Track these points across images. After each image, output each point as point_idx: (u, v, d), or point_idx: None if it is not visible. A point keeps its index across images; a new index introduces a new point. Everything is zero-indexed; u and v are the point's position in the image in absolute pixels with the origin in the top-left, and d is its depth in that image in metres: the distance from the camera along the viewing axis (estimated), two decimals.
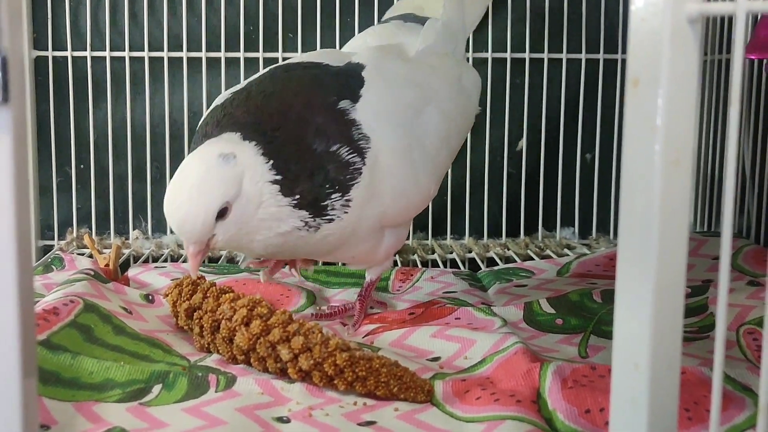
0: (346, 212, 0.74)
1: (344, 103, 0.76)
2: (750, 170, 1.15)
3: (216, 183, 0.69)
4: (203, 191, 0.69)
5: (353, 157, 0.74)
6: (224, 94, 0.82)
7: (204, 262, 1.16)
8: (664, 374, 0.44)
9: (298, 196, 0.72)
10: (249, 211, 0.71)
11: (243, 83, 0.83)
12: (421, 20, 0.94)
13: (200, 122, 0.81)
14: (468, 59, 1.25)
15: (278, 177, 0.71)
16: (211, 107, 0.81)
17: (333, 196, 0.73)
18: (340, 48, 1.04)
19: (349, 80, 0.79)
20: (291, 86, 0.78)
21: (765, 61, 1.01)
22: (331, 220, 0.74)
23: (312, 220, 0.73)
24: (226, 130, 0.74)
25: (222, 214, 0.70)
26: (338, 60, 0.83)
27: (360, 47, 0.91)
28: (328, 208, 0.74)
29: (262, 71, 0.85)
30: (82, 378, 0.67)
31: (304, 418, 0.62)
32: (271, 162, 0.71)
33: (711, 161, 1.25)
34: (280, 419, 0.62)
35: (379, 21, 1.15)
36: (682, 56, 0.42)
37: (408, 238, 1.29)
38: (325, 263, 1.17)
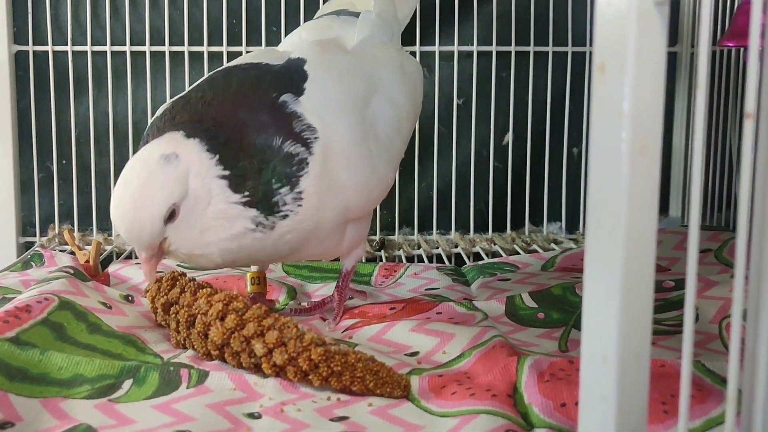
0: (300, 205, 0.73)
1: (286, 97, 0.75)
2: (737, 162, 1.14)
3: (159, 186, 0.68)
4: (147, 196, 0.68)
5: (297, 148, 0.73)
6: (164, 105, 0.81)
7: None
8: (633, 367, 0.43)
9: (247, 193, 0.71)
10: (198, 210, 0.70)
11: (183, 92, 0.82)
12: (355, 14, 0.93)
13: (143, 135, 0.79)
14: (453, 53, 1.25)
15: (226, 173, 0.70)
16: (152, 119, 0.80)
17: (281, 190, 0.72)
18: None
19: (292, 76, 0.78)
20: (230, 90, 0.76)
21: (743, 49, 1.00)
22: (285, 216, 0.72)
23: (264, 218, 0.72)
24: (167, 131, 0.72)
25: (171, 216, 0.69)
26: (277, 58, 0.82)
27: (296, 43, 0.89)
28: (280, 204, 0.72)
29: (203, 78, 0.84)
30: (50, 374, 0.66)
31: (275, 414, 0.61)
32: (217, 157, 0.70)
33: (704, 155, 1.23)
34: (251, 415, 0.61)
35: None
36: (648, 40, 0.41)
37: (394, 233, 1.28)
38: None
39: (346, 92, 0.79)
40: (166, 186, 0.68)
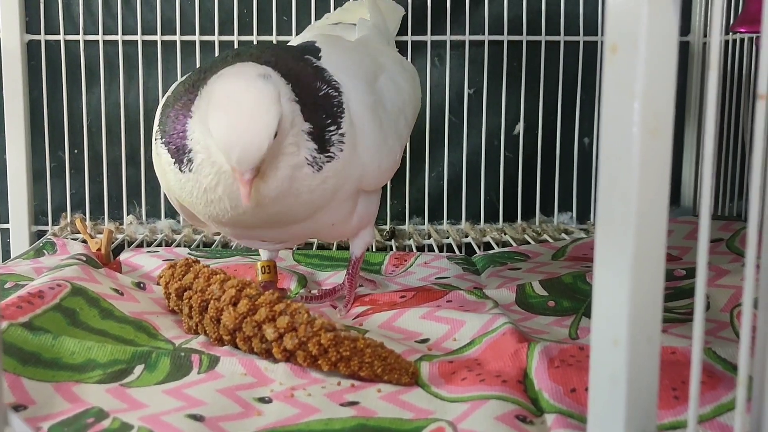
0: (342, 150, 0.74)
1: (309, 58, 0.79)
2: (750, 152, 1.13)
3: (270, 103, 0.67)
4: (262, 113, 0.66)
5: (334, 92, 0.76)
6: (172, 87, 0.80)
7: (199, 246, 1.17)
8: (644, 350, 0.43)
9: (310, 125, 0.72)
10: (285, 131, 0.69)
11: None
12: (352, 24, 1.00)
13: (162, 108, 0.77)
14: (464, 42, 1.24)
15: (297, 99, 0.71)
16: (165, 99, 0.78)
17: (331, 128, 0.73)
18: None
19: (307, 49, 0.81)
20: (258, 49, 0.78)
21: (755, 36, 1.00)
22: (330, 159, 0.73)
23: (319, 154, 0.72)
24: (217, 72, 0.71)
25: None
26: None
27: (300, 39, 0.94)
28: (328, 145, 0.73)
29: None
30: (63, 358, 0.66)
31: (285, 398, 0.61)
32: (290, 85, 0.71)
33: (716, 142, 1.23)
34: (261, 399, 0.61)
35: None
36: (661, 21, 0.41)
37: (404, 223, 1.28)
38: (318, 247, 1.17)
39: (356, 64, 0.82)
40: (274, 102, 0.67)
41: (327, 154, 0.73)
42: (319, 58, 0.79)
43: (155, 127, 0.76)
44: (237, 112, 0.66)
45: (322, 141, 0.73)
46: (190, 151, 0.71)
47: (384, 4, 1.09)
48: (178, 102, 0.73)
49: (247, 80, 0.68)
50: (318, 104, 0.73)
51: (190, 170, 0.71)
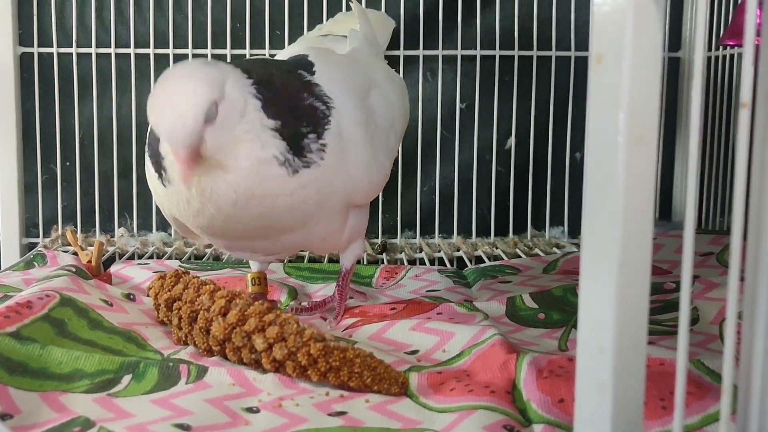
0: (323, 159, 0.74)
1: (302, 73, 0.78)
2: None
3: (201, 81, 0.67)
4: (190, 90, 0.67)
5: (321, 105, 0.76)
6: None
7: (190, 258, 1.16)
8: (630, 357, 0.43)
9: (280, 123, 0.71)
10: (233, 118, 0.69)
11: None
12: (341, 36, 1.00)
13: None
14: (456, 56, 1.25)
15: (260, 96, 0.71)
16: None
17: (310, 135, 0.73)
18: None
19: (300, 63, 0.81)
20: (247, 64, 0.78)
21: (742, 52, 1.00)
22: (308, 165, 0.73)
23: (291, 156, 0.72)
24: None
25: (210, 118, 0.68)
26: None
27: (290, 52, 0.93)
28: (306, 150, 0.73)
29: None
30: (50, 368, 0.66)
31: (273, 408, 0.61)
32: (252, 81, 0.71)
33: (705, 160, 1.23)
34: (249, 409, 0.61)
35: None
36: (645, 31, 0.41)
37: (396, 237, 1.28)
38: (309, 260, 1.17)
39: (349, 78, 0.81)
40: (207, 82, 0.67)
41: (303, 159, 0.73)
42: (312, 73, 0.79)
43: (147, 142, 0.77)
44: (164, 91, 0.67)
45: (295, 144, 0.72)
46: (163, 160, 0.72)
47: (374, 16, 1.09)
48: None
49: (184, 66, 0.70)
50: (296, 110, 0.74)
51: (168, 182, 0.72)
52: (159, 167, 0.73)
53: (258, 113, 0.70)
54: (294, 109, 0.74)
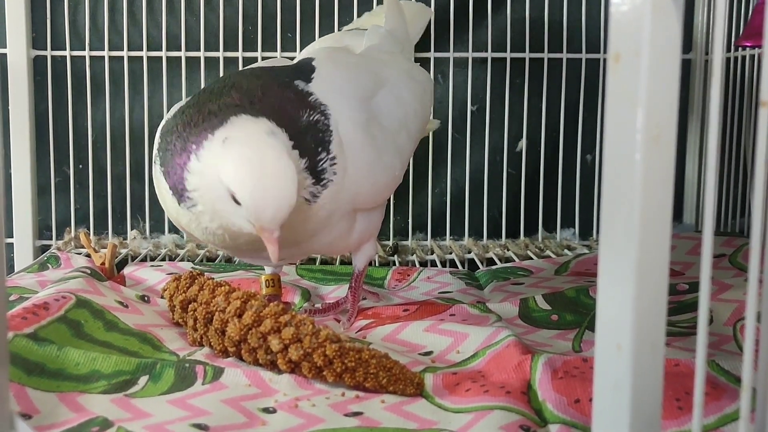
0: (335, 172, 0.75)
1: (298, 82, 0.79)
2: (752, 169, 1.14)
3: (289, 161, 0.68)
4: (287, 173, 0.67)
5: (320, 117, 0.76)
6: (173, 110, 0.80)
7: (202, 260, 1.17)
8: (648, 355, 0.43)
9: (306, 161, 0.72)
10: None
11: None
12: (365, 30, 0.98)
13: (162, 133, 0.77)
14: (468, 59, 1.25)
15: (293, 143, 0.71)
16: (166, 124, 0.77)
17: (322, 155, 0.74)
18: None
19: (302, 69, 0.81)
20: (250, 80, 0.78)
21: (758, 51, 1.00)
22: (325, 186, 0.74)
23: (314, 187, 0.73)
24: (228, 115, 0.71)
25: None
26: (283, 62, 0.86)
27: (307, 51, 0.94)
28: (323, 174, 0.74)
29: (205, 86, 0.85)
30: (67, 369, 0.66)
31: (290, 409, 0.61)
32: (283, 129, 0.71)
33: (718, 159, 1.23)
34: (265, 410, 0.62)
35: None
36: (663, 30, 0.41)
37: (407, 239, 1.28)
38: (321, 262, 1.17)
39: (350, 81, 0.81)
40: (291, 158, 0.69)
41: (322, 183, 0.74)
42: (310, 80, 0.79)
43: (155, 149, 0.77)
44: (261, 177, 0.67)
45: (316, 172, 0.73)
46: (189, 195, 0.71)
47: (410, 6, 1.08)
48: (178, 136, 0.72)
49: (263, 143, 0.68)
50: (306, 134, 0.74)
51: (189, 209, 0.72)
52: (180, 194, 0.72)
53: (298, 162, 0.71)
54: (305, 134, 0.74)
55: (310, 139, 0.74)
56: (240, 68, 1.21)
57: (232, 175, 0.67)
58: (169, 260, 1.19)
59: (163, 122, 0.79)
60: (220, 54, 1.23)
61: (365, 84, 0.83)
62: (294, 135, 0.72)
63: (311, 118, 0.75)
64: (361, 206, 0.80)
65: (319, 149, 0.74)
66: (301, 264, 1.11)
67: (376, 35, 0.94)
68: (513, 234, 1.29)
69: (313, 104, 0.76)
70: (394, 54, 0.92)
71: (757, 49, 1.02)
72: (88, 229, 1.25)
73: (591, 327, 0.82)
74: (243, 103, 0.73)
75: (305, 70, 0.81)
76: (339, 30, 1.14)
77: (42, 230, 1.26)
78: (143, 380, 0.66)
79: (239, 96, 0.74)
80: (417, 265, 1.20)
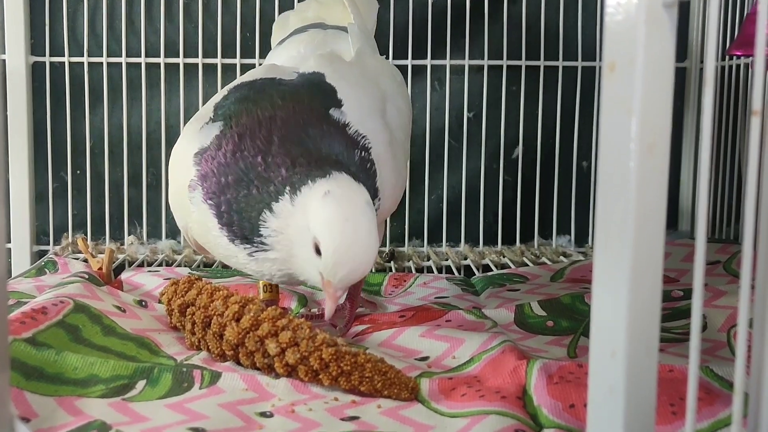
0: (380, 198, 0.76)
1: (333, 112, 0.76)
2: (746, 176, 1.14)
3: (377, 237, 0.69)
4: (372, 247, 0.69)
5: (365, 155, 0.75)
6: (198, 132, 0.76)
7: (199, 266, 1.17)
8: (642, 361, 0.44)
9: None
10: None
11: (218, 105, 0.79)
12: (339, 28, 0.94)
13: (204, 159, 0.73)
14: (464, 66, 1.26)
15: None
16: (205, 150, 0.74)
17: (372, 189, 0.74)
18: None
19: (322, 89, 0.79)
20: (271, 103, 0.76)
21: (751, 60, 1.01)
22: (375, 211, 0.74)
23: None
24: (329, 169, 0.70)
25: None
26: (285, 73, 0.82)
27: (296, 58, 0.89)
28: (375, 205, 0.74)
29: (222, 92, 0.81)
30: (65, 373, 0.67)
31: (286, 413, 0.62)
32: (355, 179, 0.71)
33: (712, 165, 1.24)
34: (262, 414, 0.62)
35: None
36: (657, 40, 0.42)
37: (403, 245, 1.29)
38: None
39: (369, 99, 0.81)
40: (377, 231, 0.70)
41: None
42: (339, 105, 0.77)
43: (190, 173, 0.73)
44: (352, 242, 0.67)
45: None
46: (263, 235, 0.70)
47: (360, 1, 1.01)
48: (250, 173, 0.71)
49: (358, 209, 0.68)
50: (367, 181, 0.73)
51: (249, 255, 0.71)
52: (243, 238, 0.71)
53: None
54: (365, 178, 0.74)
55: (369, 184, 0.74)
56: (239, 75, 1.22)
57: (326, 228, 0.67)
58: (166, 265, 1.20)
59: (193, 145, 0.75)
60: (218, 61, 1.24)
61: (379, 101, 0.82)
62: (368, 190, 0.72)
63: (361, 154, 0.75)
64: (381, 216, 0.80)
65: (369, 183, 0.74)
66: None
67: (357, 38, 0.91)
68: (509, 240, 1.30)
69: (355, 139, 0.75)
70: (378, 57, 0.92)
71: (747, 58, 1.03)
72: (86, 234, 1.26)
73: (586, 333, 0.82)
74: (310, 157, 0.71)
75: (326, 91, 0.79)
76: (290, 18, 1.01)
77: (39, 235, 1.26)
78: (141, 384, 0.66)
79: (292, 144, 0.72)
80: (413, 271, 1.21)
